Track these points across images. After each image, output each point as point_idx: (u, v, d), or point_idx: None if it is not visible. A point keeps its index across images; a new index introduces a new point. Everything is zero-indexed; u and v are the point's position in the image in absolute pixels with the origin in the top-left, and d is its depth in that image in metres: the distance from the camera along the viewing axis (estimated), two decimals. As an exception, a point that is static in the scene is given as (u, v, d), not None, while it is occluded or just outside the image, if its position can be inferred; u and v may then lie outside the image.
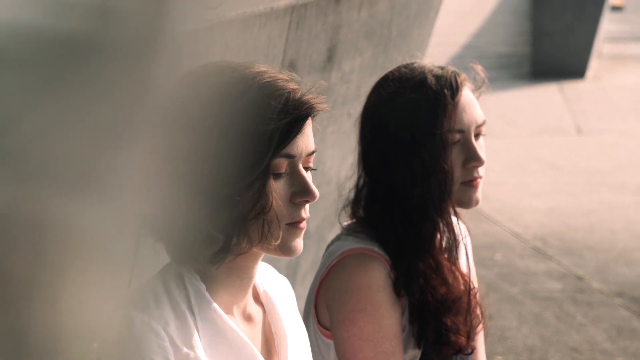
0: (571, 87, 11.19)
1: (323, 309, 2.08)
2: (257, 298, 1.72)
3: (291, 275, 3.29)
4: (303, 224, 1.61)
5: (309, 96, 1.59)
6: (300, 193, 1.59)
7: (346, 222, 2.16)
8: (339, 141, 3.28)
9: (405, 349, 2.06)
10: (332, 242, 2.14)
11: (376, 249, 2.03)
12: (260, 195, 1.55)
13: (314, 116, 1.60)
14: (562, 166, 8.04)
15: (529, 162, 8.20)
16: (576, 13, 11.62)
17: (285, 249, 1.61)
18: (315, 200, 1.60)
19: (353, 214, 2.15)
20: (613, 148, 8.66)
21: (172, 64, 2.50)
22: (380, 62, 3.35)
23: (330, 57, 3.10)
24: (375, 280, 2.00)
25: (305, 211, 1.61)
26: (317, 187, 3.28)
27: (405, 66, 2.11)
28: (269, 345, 1.71)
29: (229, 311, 1.63)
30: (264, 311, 1.73)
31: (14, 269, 2.25)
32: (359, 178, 2.13)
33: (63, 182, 2.35)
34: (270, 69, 1.60)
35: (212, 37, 2.56)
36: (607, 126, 9.49)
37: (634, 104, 10.40)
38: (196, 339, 1.57)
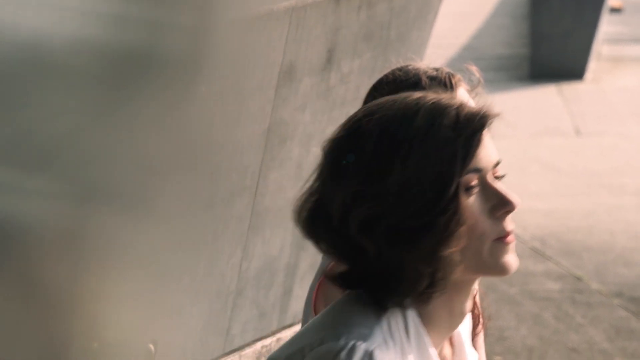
0: (570, 89, 11.20)
1: (322, 310, 2.09)
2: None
3: (290, 276, 3.30)
4: (510, 238, 1.52)
5: (479, 106, 1.54)
6: (499, 205, 1.51)
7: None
8: (338, 142, 3.28)
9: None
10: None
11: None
12: (457, 218, 1.48)
13: (489, 124, 1.53)
14: (561, 168, 8.05)
15: (528, 163, 8.21)
16: (575, 16, 11.63)
17: (499, 268, 1.53)
18: (517, 208, 1.52)
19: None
20: (612, 150, 8.67)
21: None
22: (379, 64, 3.37)
23: (330, 59, 3.11)
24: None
25: (510, 223, 1.52)
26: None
27: (400, 69, 2.12)
28: None
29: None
30: (453, 352, 1.65)
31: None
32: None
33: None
34: (427, 92, 1.55)
35: (212, 39, 2.58)
36: (606, 128, 9.50)
37: (633, 105, 10.41)
38: None
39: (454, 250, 1.49)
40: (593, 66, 12.06)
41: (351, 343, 1.47)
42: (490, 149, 1.54)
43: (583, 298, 5.36)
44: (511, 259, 1.53)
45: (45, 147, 2.20)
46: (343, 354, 1.47)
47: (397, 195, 1.48)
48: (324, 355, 1.48)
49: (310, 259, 3.39)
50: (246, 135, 2.86)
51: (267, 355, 3.15)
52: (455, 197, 1.48)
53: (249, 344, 3.16)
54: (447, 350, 1.63)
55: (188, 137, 2.62)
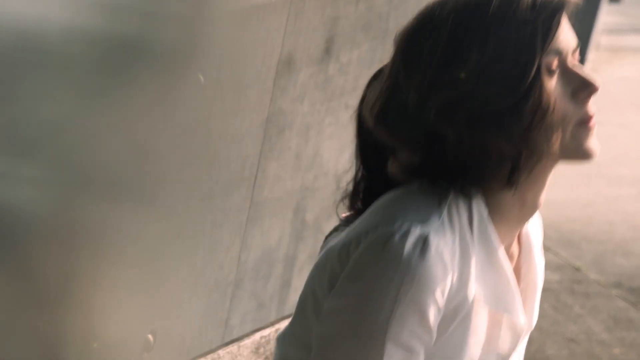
0: (569, 79, 11.18)
1: None
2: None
3: (288, 267, 3.30)
4: (593, 122, 1.52)
5: None
6: (581, 88, 1.52)
7: (344, 214, 2.17)
8: (337, 133, 3.29)
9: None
10: (330, 233, 2.15)
11: (373, 240, 2.04)
12: (541, 99, 1.47)
13: (567, 7, 1.53)
14: (559, 158, 8.04)
15: (527, 154, 8.20)
16: (574, 5, 11.61)
17: (581, 152, 1.53)
18: (598, 90, 1.53)
19: (351, 206, 2.15)
20: (611, 140, 8.66)
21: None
22: (378, 55, 3.36)
23: (328, 49, 3.11)
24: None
25: (592, 107, 1.53)
26: (315, 179, 3.30)
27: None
28: None
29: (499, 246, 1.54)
30: (520, 251, 1.63)
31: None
32: (357, 170, 2.14)
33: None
34: None
35: (210, 29, 2.57)
36: (605, 118, 9.50)
37: (632, 95, 10.41)
38: (472, 273, 1.48)
39: (538, 133, 1.48)
40: (592, 56, 12.05)
41: (405, 226, 1.45)
42: (569, 34, 1.53)
43: (582, 288, 5.36)
44: (594, 143, 1.53)
45: (41, 136, 2.19)
46: (397, 236, 1.44)
47: (477, 79, 1.46)
48: (378, 238, 1.47)
49: (309, 250, 3.39)
50: (245, 125, 2.85)
51: (266, 346, 3.16)
52: (537, 78, 1.47)
53: (247, 335, 3.16)
54: (514, 248, 1.60)
55: (186, 127, 2.62)
